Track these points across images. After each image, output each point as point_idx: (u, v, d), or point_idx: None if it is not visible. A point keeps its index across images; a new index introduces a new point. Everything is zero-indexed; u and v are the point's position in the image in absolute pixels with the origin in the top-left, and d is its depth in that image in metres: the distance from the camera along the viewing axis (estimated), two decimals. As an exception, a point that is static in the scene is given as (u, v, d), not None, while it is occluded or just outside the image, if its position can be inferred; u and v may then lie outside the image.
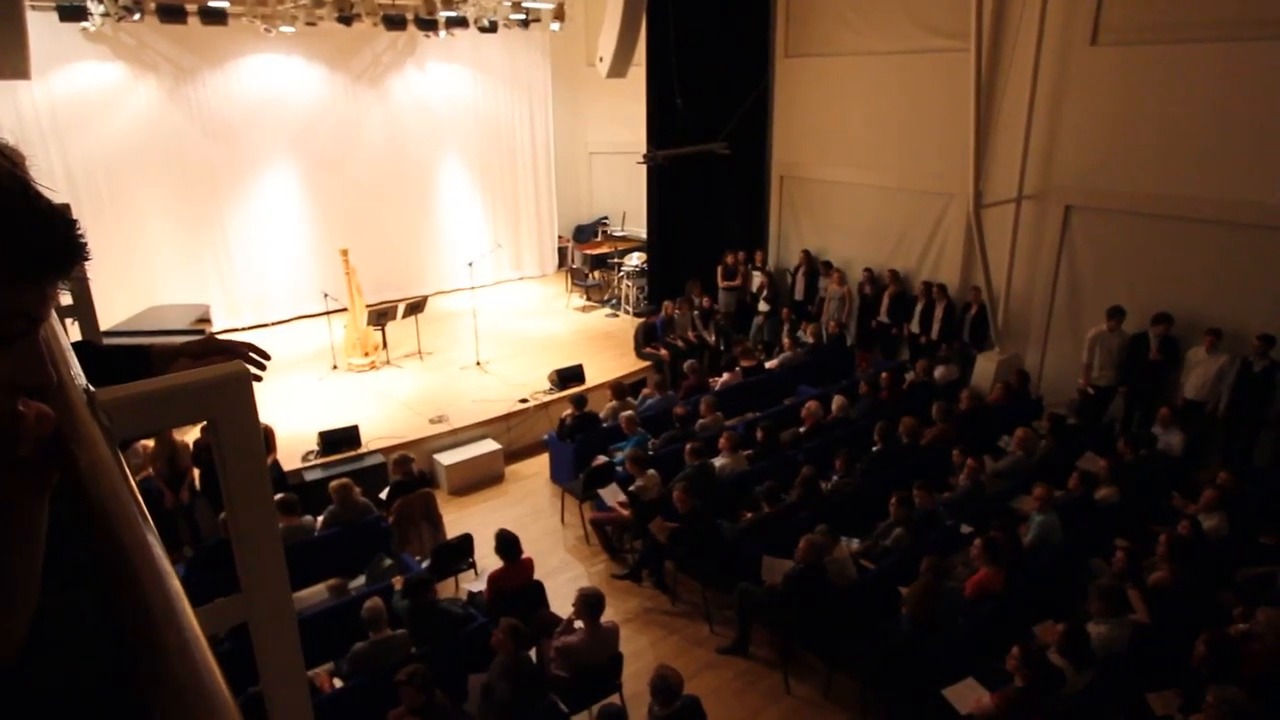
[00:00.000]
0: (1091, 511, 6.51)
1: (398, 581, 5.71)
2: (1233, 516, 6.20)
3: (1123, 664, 4.87)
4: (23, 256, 0.68)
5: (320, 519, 6.82)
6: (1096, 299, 8.84)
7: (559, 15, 11.83)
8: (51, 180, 10.51)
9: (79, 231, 0.73)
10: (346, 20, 10.30)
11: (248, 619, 0.93)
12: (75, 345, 1.18)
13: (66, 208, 0.77)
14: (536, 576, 6.20)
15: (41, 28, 9.15)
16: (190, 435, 7.63)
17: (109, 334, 9.02)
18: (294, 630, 0.97)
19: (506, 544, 5.89)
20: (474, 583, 6.83)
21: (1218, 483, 6.45)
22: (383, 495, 7.33)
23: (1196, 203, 8.05)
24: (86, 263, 0.74)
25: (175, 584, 0.62)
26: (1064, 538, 6.19)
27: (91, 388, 0.84)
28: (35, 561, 0.71)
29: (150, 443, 7.30)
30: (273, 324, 12.67)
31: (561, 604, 5.92)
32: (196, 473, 7.27)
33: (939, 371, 9.46)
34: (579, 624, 5.17)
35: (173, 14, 9.24)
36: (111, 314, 10.30)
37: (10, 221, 0.67)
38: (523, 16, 11.79)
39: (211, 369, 0.88)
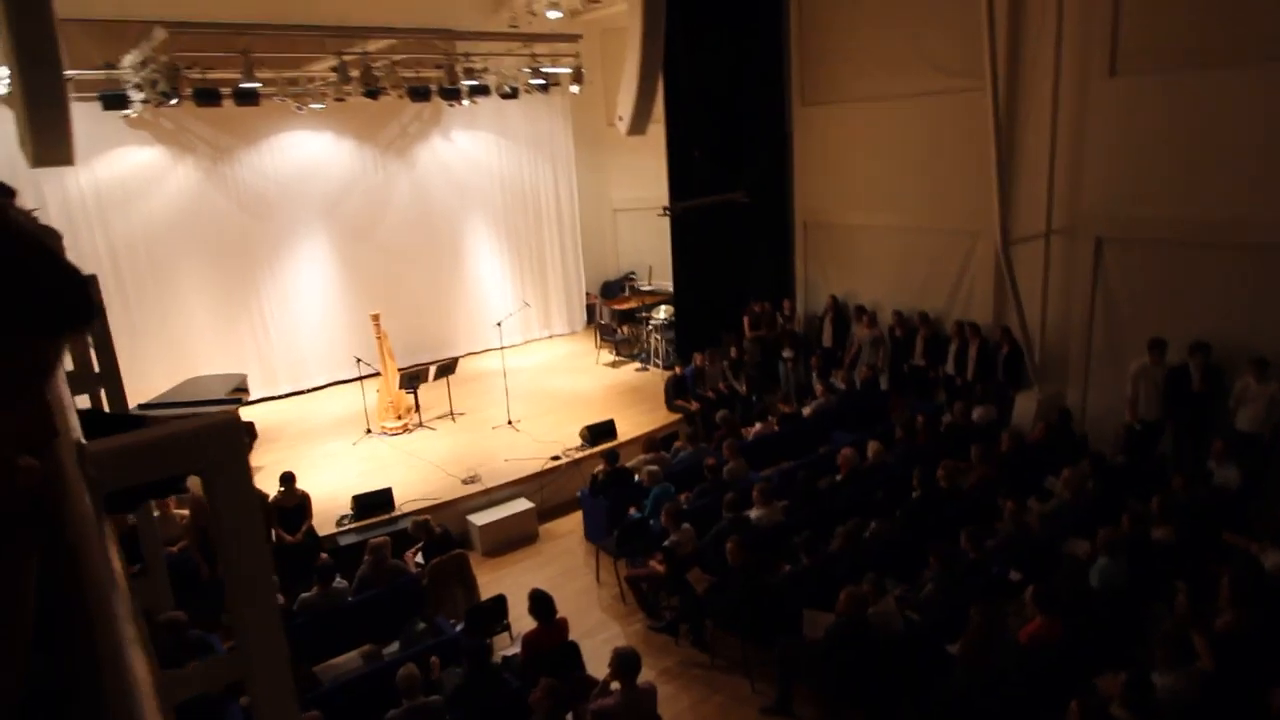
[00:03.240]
0: (1148, 553, 6.22)
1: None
2: (1299, 553, 5.88)
3: (1193, 718, 4.58)
4: (43, 312, 0.69)
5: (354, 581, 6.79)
6: (1136, 331, 8.61)
7: (577, 78, 12.12)
8: (95, 258, 10.95)
9: (93, 290, 0.73)
10: (373, 94, 10.64)
11: (245, 676, 0.89)
12: (81, 414, 1.18)
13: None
14: (572, 637, 6.06)
15: (85, 117, 9.57)
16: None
17: (150, 406, 9.21)
18: (289, 682, 0.93)
19: (540, 604, 5.78)
20: (509, 647, 6.69)
21: (1279, 517, 6.15)
22: (419, 559, 7.28)
23: (1228, 227, 7.89)
24: (97, 319, 0.74)
25: (133, 653, 0.58)
26: (1125, 582, 5.92)
27: (83, 440, 0.82)
28: (23, 620, 0.68)
29: (186, 512, 7.35)
30: (308, 391, 12.85)
31: (598, 665, 5.76)
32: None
33: (977, 413, 9.25)
34: (615, 685, 5.02)
35: (208, 97, 9.61)
36: (152, 385, 10.52)
37: (32, 279, 0.68)
38: (542, 81, 12.08)
39: (201, 418, 0.86)
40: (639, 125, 10.86)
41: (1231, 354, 7.87)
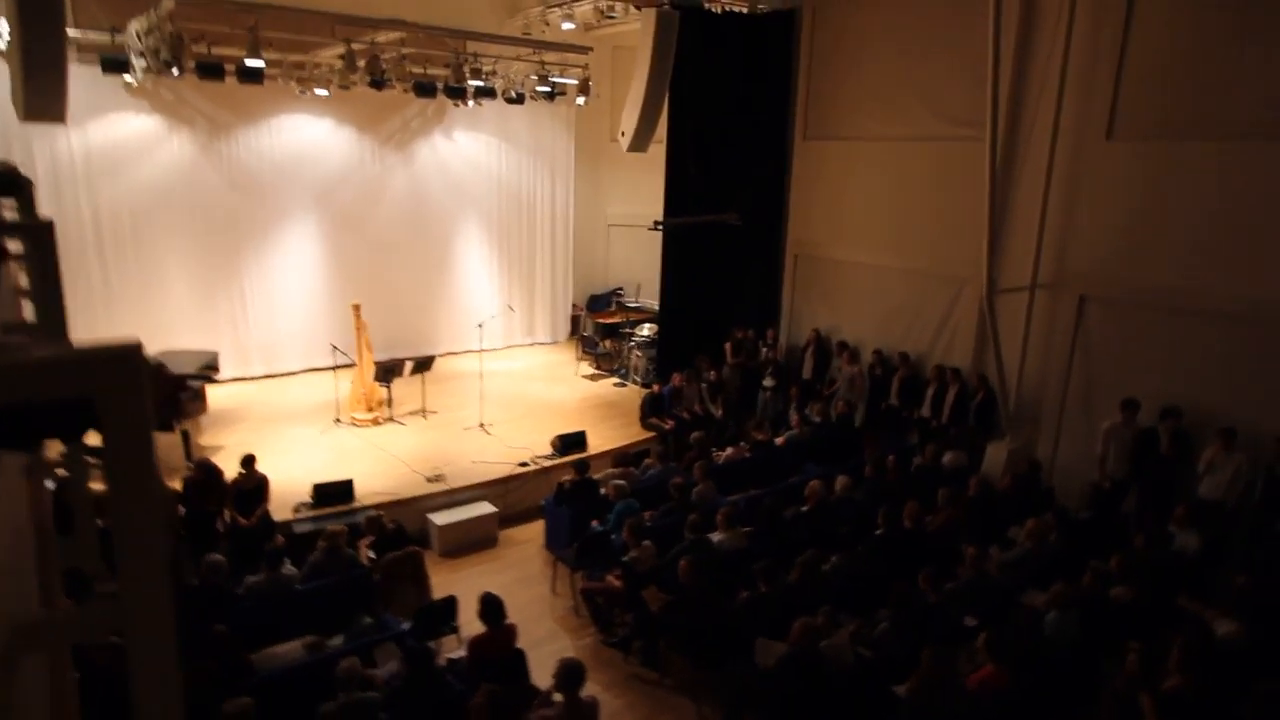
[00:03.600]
0: (1104, 610, 6.22)
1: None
2: (1251, 624, 5.90)
3: (1134, 776, 4.55)
4: None
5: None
6: (1111, 390, 8.69)
7: (584, 90, 12.18)
8: (78, 221, 10.81)
9: None
10: (378, 85, 10.62)
11: (124, 627, 0.84)
12: None
13: None
14: (522, 646, 5.95)
15: (84, 78, 9.50)
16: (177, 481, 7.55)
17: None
18: (172, 641, 0.87)
19: (490, 608, 5.68)
20: (456, 650, 6.58)
21: (1236, 586, 6.17)
22: (370, 554, 7.16)
23: (1211, 297, 7.99)
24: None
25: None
26: (1078, 636, 5.91)
27: None
28: None
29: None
30: (281, 375, 12.69)
31: (545, 676, 5.65)
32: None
33: (947, 457, 9.26)
34: (557, 697, 4.92)
35: (211, 71, 9.56)
36: (122, 355, 10.32)
37: None
38: (549, 90, 12.13)
39: (100, 343, 0.82)
40: (641, 143, 10.94)
41: (1202, 421, 7.95)
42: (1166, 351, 8.46)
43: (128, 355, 0.79)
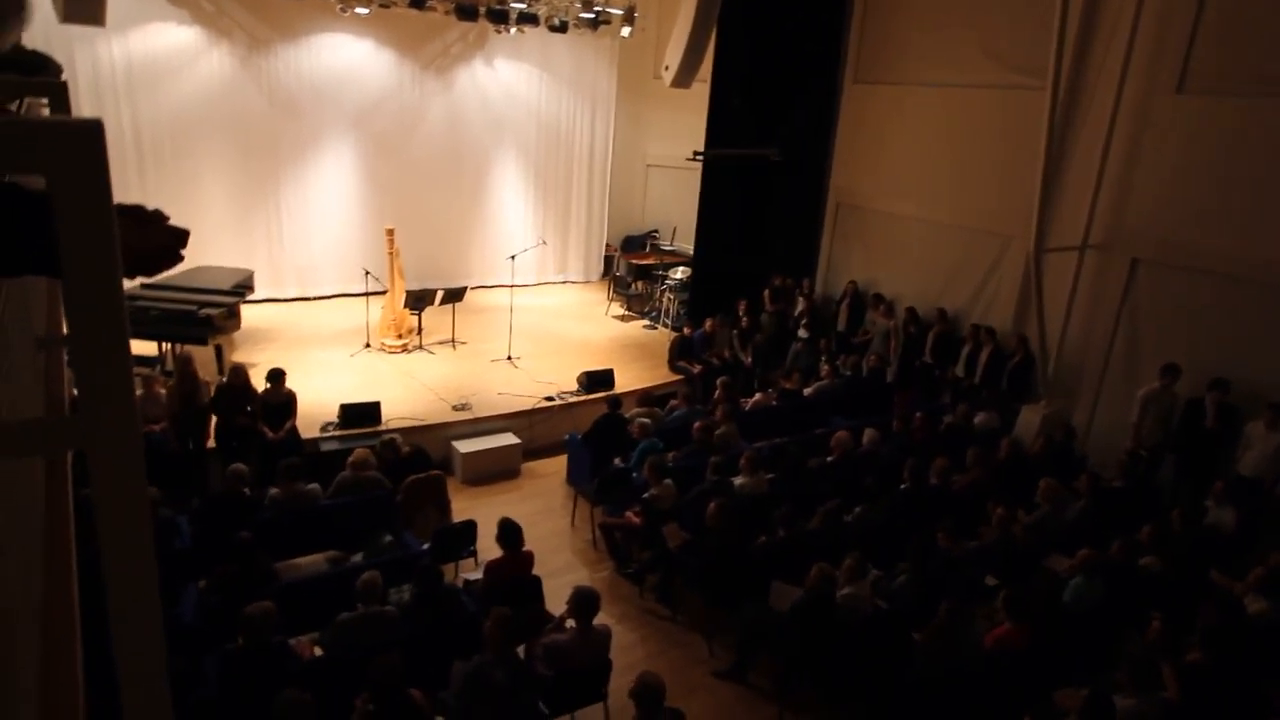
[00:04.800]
0: (1132, 579, 6.08)
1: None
2: (1284, 602, 5.73)
3: (1149, 742, 4.48)
4: None
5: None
6: (1156, 359, 8.37)
7: (628, 20, 11.81)
8: (118, 133, 10.79)
9: None
10: (419, 3, 10.38)
11: (85, 446, 0.76)
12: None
13: None
14: (539, 575, 5.98)
15: (125, -17, 9.40)
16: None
17: (155, 287, 9.14)
18: (140, 462, 0.79)
19: (508, 532, 5.70)
20: (473, 571, 6.65)
21: (1269, 564, 5.99)
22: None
23: (1272, 267, 7.61)
24: None
25: None
26: (1102, 603, 5.80)
27: None
28: None
29: (166, 392, 7.29)
30: (314, 298, 12.75)
31: (558, 605, 5.68)
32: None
33: (979, 418, 9.07)
34: (570, 623, 4.94)
35: (253, -17, 9.44)
36: (158, 268, 10.39)
37: None
38: (592, 16, 11.77)
39: (58, 117, 0.72)
40: (684, 78, 10.61)
41: (1252, 395, 7.64)
42: (1219, 321, 8.11)
43: (89, 130, 0.69)
